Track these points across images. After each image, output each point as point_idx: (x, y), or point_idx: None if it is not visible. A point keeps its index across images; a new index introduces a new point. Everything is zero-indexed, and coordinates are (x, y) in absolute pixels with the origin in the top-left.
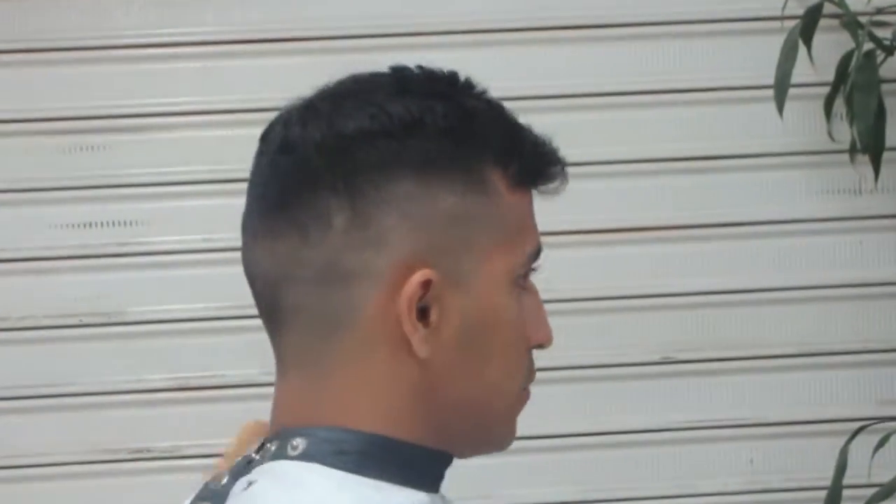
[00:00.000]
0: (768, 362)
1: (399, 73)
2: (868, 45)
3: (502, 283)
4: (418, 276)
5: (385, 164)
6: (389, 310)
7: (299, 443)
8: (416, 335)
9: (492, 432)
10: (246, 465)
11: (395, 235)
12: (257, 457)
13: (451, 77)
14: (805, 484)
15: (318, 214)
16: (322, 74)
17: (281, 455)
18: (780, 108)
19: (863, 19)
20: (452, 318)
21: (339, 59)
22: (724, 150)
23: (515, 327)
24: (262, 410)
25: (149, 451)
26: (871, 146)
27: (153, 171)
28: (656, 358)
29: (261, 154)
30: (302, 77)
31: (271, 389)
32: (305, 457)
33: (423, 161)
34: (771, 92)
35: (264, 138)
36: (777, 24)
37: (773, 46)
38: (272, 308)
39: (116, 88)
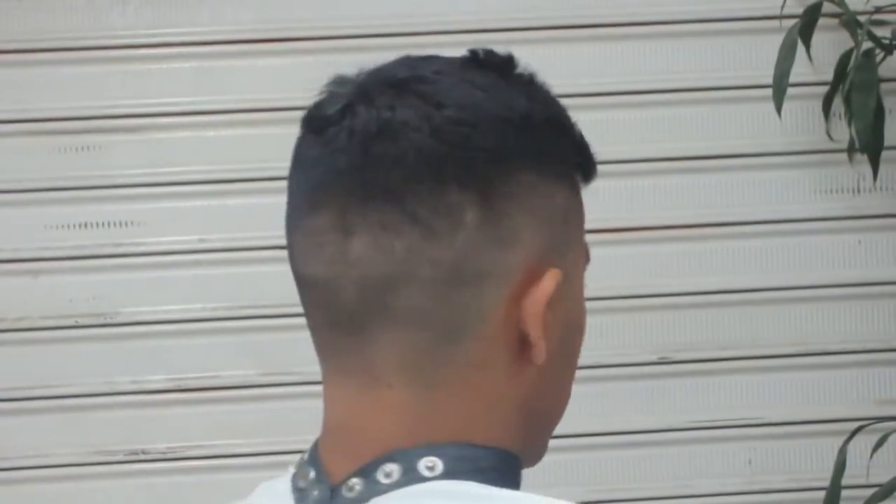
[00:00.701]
0: (766, 362)
1: (480, 56)
2: (867, 44)
3: (581, 283)
4: (552, 276)
5: (510, 154)
6: (512, 313)
7: (435, 462)
8: (542, 340)
9: (546, 443)
10: (331, 498)
11: (525, 232)
12: (357, 484)
13: (520, 63)
14: (804, 484)
15: (445, 209)
16: (317, 75)
17: (416, 478)
18: (779, 108)
19: (862, 18)
20: (559, 321)
21: (334, 59)
22: (722, 150)
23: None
24: (257, 411)
25: (145, 452)
26: (869, 145)
27: (149, 171)
28: (654, 358)
29: (329, 141)
30: (297, 77)
31: (269, 390)
32: (449, 476)
33: (538, 152)
34: (769, 91)
35: (325, 125)
36: (776, 23)
37: (771, 45)
38: (365, 310)
39: (111, 89)
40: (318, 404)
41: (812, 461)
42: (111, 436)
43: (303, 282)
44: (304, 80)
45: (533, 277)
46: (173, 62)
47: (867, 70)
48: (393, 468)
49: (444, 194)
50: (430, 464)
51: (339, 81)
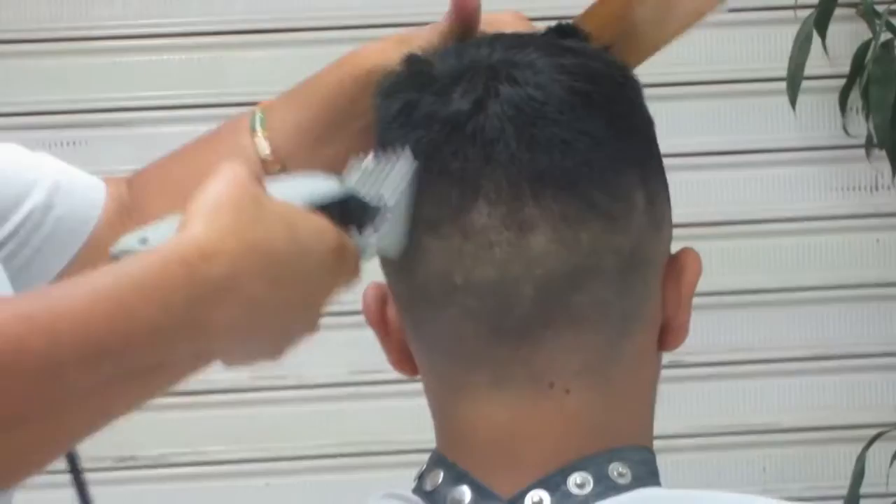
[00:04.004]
0: (781, 366)
1: (566, 30)
2: (885, 36)
3: None
4: (695, 257)
5: (651, 130)
6: (659, 300)
7: (625, 470)
8: (688, 323)
9: None
10: None
11: (667, 214)
12: (542, 496)
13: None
14: (821, 493)
15: (620, 193)
16: (310, 66)
17: (612, 486)
18: (793, 102)
19: (880, 8)
20: None
21: (328, 51)
22: (735, 145)
23: None
24: (253, 416)
25: (134, 458)
26: (887, 141)
27: (135, 167)
28: (664, 361)
29: (475, 131)
30: (290, 69)
31: (261, 394)
32: (639, 482)
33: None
34: (783, 84)
35: (454, 113)
36: (790, 13)
37: (786, 37)
38: (542, 312)
39: (97, 81)
40: (313, 408)
41: (829, 469)
42: (99, 442)
43: (452, 290)
44: (297, 71)
45: (671, 261)
46: (161, 54)
47: (885, 62)
48: (585, 477)
49: (614, 177)
50: (620, 470)
51: (423, 63)
